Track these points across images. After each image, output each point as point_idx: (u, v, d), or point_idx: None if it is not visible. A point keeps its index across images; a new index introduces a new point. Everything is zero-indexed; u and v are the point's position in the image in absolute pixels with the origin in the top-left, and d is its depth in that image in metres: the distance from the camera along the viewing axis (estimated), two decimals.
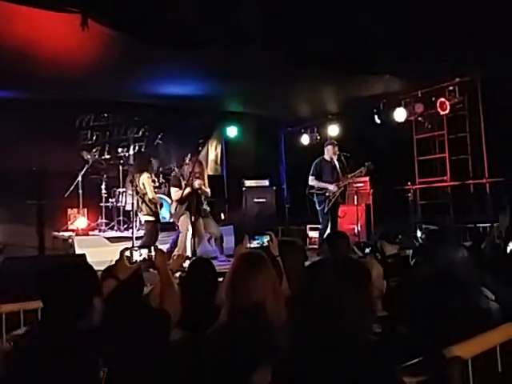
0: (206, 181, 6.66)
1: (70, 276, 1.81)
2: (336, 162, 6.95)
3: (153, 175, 6.83)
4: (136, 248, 2.17)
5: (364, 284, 1.36)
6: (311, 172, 6.93)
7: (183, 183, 6.42)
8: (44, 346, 1.62)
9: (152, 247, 2.18)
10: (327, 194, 6.81)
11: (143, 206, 6.39)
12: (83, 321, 1.69)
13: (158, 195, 7.88)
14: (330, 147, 7.00)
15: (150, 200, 6.36)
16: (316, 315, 1.31)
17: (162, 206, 6.94)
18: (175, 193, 6.47)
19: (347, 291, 1.31)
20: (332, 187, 6.77)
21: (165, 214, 7.50)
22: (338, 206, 6.96)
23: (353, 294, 1.30)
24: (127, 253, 2.11)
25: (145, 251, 2.14)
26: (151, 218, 6.41)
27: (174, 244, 6.67)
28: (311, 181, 6.89)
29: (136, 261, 2.11)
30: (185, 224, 6.38)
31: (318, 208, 6.93)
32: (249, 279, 1.87)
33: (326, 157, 7.01)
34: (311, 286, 1.38)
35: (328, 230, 6.66)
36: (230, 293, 1.90)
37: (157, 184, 8.08)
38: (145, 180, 6.34)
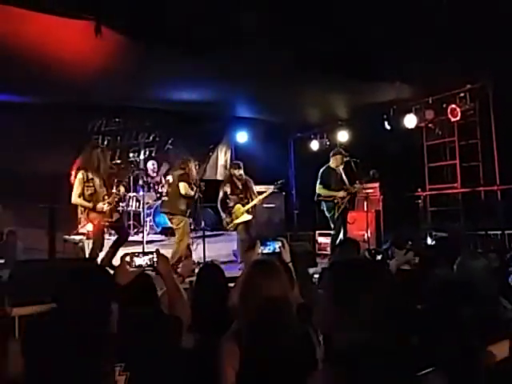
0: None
1: (88, 279, 1.81)
2: (342, 171, 7.01)
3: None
4: (137, 253, 2.13)
5: (376, 285, 1.37)
6: (319, 181, 6.99)
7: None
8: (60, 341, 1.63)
9: (154, 252, 2.13)
10: (335, 201, 6.85)
11: None
12: (101, 326, 1.69)
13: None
14: (338, 157, 7.04)
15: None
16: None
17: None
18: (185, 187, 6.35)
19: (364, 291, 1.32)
20: (340, 194, 6.84)
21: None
22: (346, 212, 6.99)
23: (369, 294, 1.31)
24: (127, 258, 2.08)
25: (148, 256, 2.11)
26: None
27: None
28: (319, 189, 6.96)
29: (139, 265, 2.08)
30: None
31: (327, 215, 6.96)
32: (263, 287, 1.88)
33: (332, 165, 7.05)
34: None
35: (341, 236, 6.73)
36: (243, 300, 1.91)
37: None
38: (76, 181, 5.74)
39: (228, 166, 9.88)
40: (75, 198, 5.70)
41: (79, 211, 6.00)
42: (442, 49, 5.33)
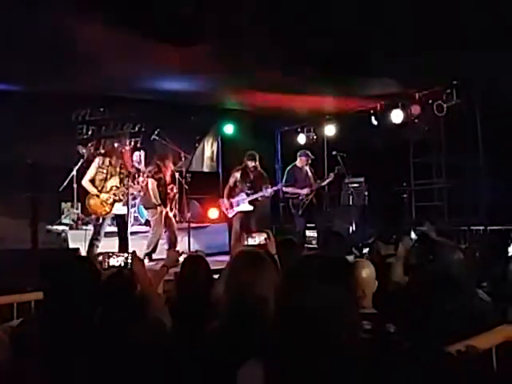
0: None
1: (73, 269, 1.78)
2: (308, 169, 7.33)
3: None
4: (111, 253, 2.06)
5: (344, 281, 1.36)
6: (284, 178, 7.37)
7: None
8: (44, 340, 1.60)
9: (129, 254, 2.05)
10: (300, 198, 7.15)
11: None
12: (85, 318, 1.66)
13: None
14: (303, 158, 7.33)
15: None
16: (296, 313, 1.31)
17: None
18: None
19: (327, 288, 1.31)
20: (304, 191, 7.16)
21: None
22: (313, 208, 7.20)
23: (333, 290, 1.31)
24: (100, 258, 2.02)
25: (122, 257, 2.02)
26: None
27: (169, 240, 6.70)
28: (285, 187, 7.27)
29: (113, 266, 2.01)
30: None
31: (293, 211, 7.26)
32: (252, 278, 1.86)
33: (298, 164, 7.34)
34: (292, 284, 1.39)
35: (310, 233, 7.23)
36: (230, 291, 1.88)
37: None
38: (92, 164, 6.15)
39: (214, 158, 9.87)
40: (85, 180, 6.00)
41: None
42: (428, 45, 5.35)
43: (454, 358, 1.59)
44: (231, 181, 6.92)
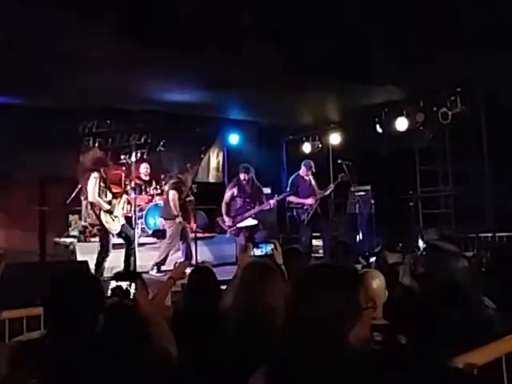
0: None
1: (75, 284, 1.79)
2: (311, 178, 7.30)
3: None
4: (116, 276, 1.96)
5: (350, 291, 1.36)
6: (288, 188, 7.32)
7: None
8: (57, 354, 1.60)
9: (135, 281, 1.91)
10: (305, 208, 7.11)
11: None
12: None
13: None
14: (305, 169, 7.30)
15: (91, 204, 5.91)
16: (305, 322, 1.31)
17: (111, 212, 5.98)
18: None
19: (331, 297, 1.32)
20: (309, 201, 7.10)
21: (157, 221, 7.68)
22: (317, 217, 7.17)
23: (338, 300, 1.31)
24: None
25: (125, 282, 1.88)
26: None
27: (185, 252, 6.75)
28: (289, 197, 7.24)
29: (117, 287, 1.88)
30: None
31: (298, 220, 7.23)
32: (261, 289, 1.85)
33: (302, 173, 7.31)
34: (301, 293, 1.39)
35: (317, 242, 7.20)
36: (239, 302, 1.88)
37: (158, 191, 8.13)
38: (90, 181, 5.84)
39: (220, 169, 9.91)
40: (95, 197, 5.78)
41: (84, 210, 6.03)
42: (432, 52, 5.36)
43: (461, 369, 1.58)
44: (227, 196, 6.80)
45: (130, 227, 6.24)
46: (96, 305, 1.75)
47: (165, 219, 6.96)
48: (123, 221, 6.12)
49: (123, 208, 6.12)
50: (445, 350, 1.59)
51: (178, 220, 6.71)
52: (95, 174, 5.81)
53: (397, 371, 1.28)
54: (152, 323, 1.95)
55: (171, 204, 6.71)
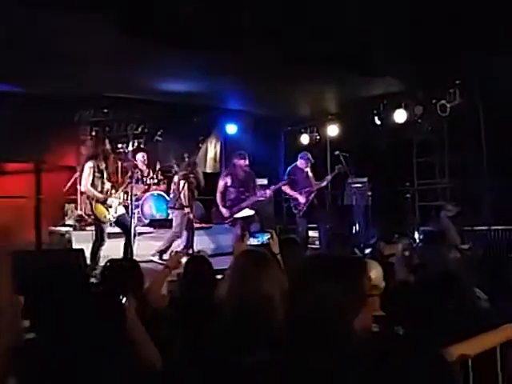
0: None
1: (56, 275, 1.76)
2: (308, 170, 7.28)
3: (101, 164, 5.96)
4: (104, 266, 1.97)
5: (353, 281, 1.36)
6: (286, 183, 7.25)
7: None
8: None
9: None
10: (297, 202, 7.14)
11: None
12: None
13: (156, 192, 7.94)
14: (302, 161, 7.24)
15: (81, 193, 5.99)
16: (305, 312, 1.31)
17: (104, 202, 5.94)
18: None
19: (335, 287, 1.31)
20: (301, 198, 7.08)
21: (154, 211, 7.67)
22: (313, 208, 7.17)
23: (341, 290, 1.31)
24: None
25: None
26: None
27: (186, 241, 6.76)
28: (285, 188, 7.23)
29: None
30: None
31: (294, 211, 7.19)
32: (256, 278, 1.85)
33: (299, 165, 7.28)
34: (301, 282, 1.39)
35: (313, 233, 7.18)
36: (234, 291, 1.87)
37: (155, 180, 8.11)
38: (85, 170, 5.83)
39: (217, 159, 9.88)
40: (87, 187, 5.78)
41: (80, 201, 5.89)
42: (431, 44, 5.34)
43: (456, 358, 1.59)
44: (221, 186, 6.67)
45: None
46: (78, 297, 1.71)
47: (172, 209, 6.93)
48: (122, 210, 6.10)
49: (120, 198, 6.09)
50: (440, 340, 1.60)
51: (186, 210, 6.71)
52: (90, 164, 5.78)
53: (396, 360, 1.28)
54: (137, 335, 1.93)
55: (181, 195, 6.73)
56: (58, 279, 1.98)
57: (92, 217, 6.02)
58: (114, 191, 5.97)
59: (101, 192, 5.85)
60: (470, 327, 1.82)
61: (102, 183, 5.87)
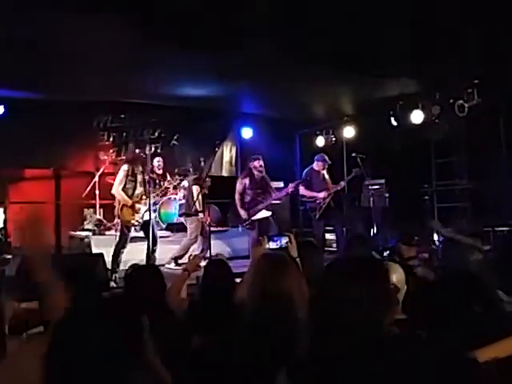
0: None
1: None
2: (325, 172, 7.28)
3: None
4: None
5: (379, 282, 1.35)
6: (301, 181, 7.25)
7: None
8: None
9: None
10: (318, 202, 7.05)
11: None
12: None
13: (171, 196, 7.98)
14: (320, 163, 7.24)
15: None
16: (334, 316, 1.30)
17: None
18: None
19: (362, 289, 1.30)
20: (321, 195, 7.05)
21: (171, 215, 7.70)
22: (330, 211, 7.10)
23: (368, 291, 1.30)
24: None
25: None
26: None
27: (203, 245, 6.77)
28: (302, 190, 7.19)
29: None
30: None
31: (310, 214, 7.16)
32: (276, 281, 1.85)
33: (315, 167, 7.27)
34: (327, 286, 1.38)
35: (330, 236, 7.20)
36: (254, 294, 1.87)
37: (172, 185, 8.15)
38: (119, 173, 5.98)
39: (233, 163, 9.90)
40: (117, 189, 5.88)
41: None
42: (448, 44, 5.28)
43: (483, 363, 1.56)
44: (240, 187, 6.67)
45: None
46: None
47: (186, 215, 6.90)
48: (148, 216, 6.14)
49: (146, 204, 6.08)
50: (467, 344, 1.57)
51: (200, 216, 6.71)
52: (125, 167, 5.90)
53: (427, 364, 1.27)
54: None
55: (195, 200, 6.72)
56: (78, 283, 1.98)
57: (118, 219, 6.09)
58: (145, 197, 5.97)
59: (131, 196, 5.88)
60: (495, 330, 1.79)
61: (134, 188, 5.91)
